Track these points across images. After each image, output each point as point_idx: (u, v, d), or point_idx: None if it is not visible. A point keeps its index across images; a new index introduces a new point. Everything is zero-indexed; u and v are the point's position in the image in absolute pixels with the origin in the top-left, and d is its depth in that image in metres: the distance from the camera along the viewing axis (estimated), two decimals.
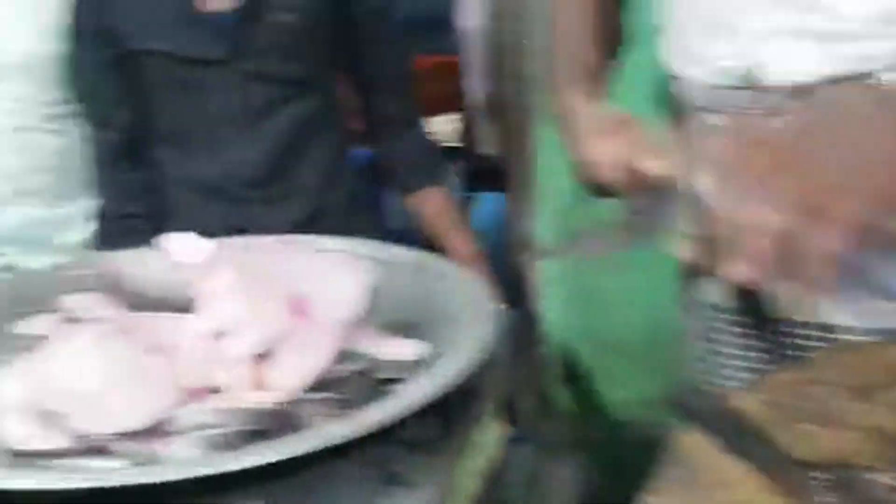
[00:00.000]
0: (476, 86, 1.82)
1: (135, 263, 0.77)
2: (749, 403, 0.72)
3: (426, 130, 1.49)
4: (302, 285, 0.70)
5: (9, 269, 1.37)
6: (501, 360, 0.82)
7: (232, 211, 1.36)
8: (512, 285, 1.84)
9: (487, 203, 1.85)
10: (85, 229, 1.51)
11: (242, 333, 0.65)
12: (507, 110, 1.66)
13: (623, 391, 1.70)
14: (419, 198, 1.46)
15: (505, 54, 1.63)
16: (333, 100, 1.43)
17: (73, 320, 0.73)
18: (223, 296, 0.68)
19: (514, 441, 0.93)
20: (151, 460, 0.61)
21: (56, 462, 0.63)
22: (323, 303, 0.69)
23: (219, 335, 0.66)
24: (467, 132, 2.07)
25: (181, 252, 0.76)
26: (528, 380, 1.66)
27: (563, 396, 1.55)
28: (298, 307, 0.68)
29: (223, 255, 0.75)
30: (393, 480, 0.60)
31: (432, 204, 1.46)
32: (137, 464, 0.61)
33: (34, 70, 1.39)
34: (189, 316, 0.69)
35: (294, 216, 1.36)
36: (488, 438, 0.83)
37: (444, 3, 2.01)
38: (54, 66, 1.41)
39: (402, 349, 0.71)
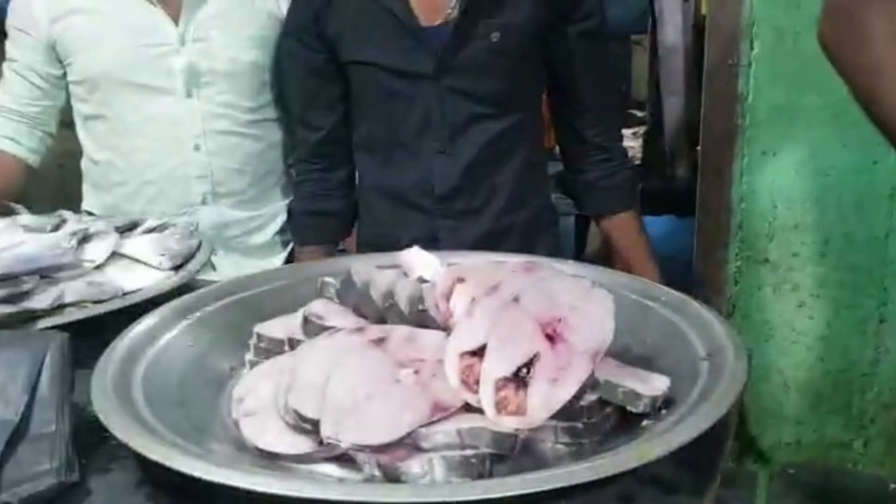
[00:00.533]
0: (673, 105, 1.76)
1: (379, 276, 0.77)
2: None
3: (624, 154, 1.45)
4: (553, 310, 0.68)
5: (205, 266, 1.43)
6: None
7: (422, 221, 1.37)
8: None
9: (655, 226, 1.79)
10: (271, 233, 1.57)
11: (497, 354, 0.64)
12: (708, 132, 1.59)
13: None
14: (612, 223, 1.43)
15: (712, 74, 1.56)
16: (534, 118, 1.41)
17: (318, 326, 0.74)
18: (475, 315, 0.67)
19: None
20: (393, 475, 0.61)
21: (299, 467, 0.64)
22: (575, 329, 0.66)
23: (473, 354, 0.64)
24: (651, 150, 2.01)
25: (420, 266, 0.76)
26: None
27: None
28: (551, 331, 0.66)
29: (468, 274, 0.74)
30: None
31: (625, 230, 1.43)
32: (379, 478, 0.61)
33: (238, 76, 1.45)
34: (441, 333, 0.68)
35: (481, 230, 1.36)
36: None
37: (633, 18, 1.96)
38: (257, 73, 1.48)
39: (649, 384, 0.68)
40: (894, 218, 1.54)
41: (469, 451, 0.61)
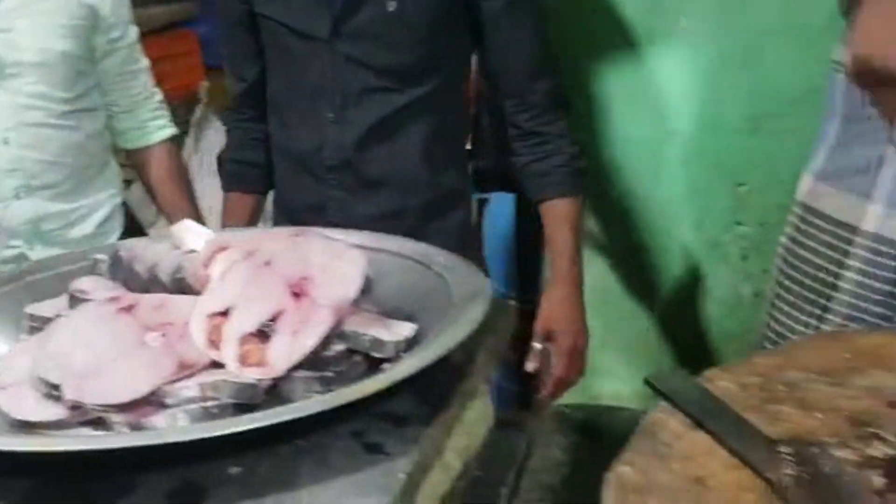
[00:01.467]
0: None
1: (146, 250, 0.79)
2: (726, 384, 0.73)
3: (561, 138, 1.39)
4: (303, 270, 0.71)
5: (20, 260, 1.42)
6: (494, 346, 0.84)
7: (313, 189, 1.35)
8: (526, 284, 1.86)
9: (501, 203, 1.85)
10: (94, 224, 1.56)
11: (242, 312, 0.67)
12: None
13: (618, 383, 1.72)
14: (544, 209, 1.39)
15: None
16: (448, 94, 1.35)
17: (81, 301, 0.75)
18: (227, 278, 0.70)
19: (504, 423, 0.95)
20: (140, 430, 0.64)
21: (52, 432, 0.66)
22: (320, 286, 0.70)
23: (219, 314, 0.67)
24: (478, 131, 2.07)
25: (190, 239, 0.78)
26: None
27: None
28: (298, 289, 0.70)
29: (231, 242, 0.77)
30: (373, 450, 0.62)
31: (552, 214, 1.39)
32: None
33: (50, 67, 1.43)
34: (192, 297, 0.71)
35: (372, 208, 1.33)
36: (477, 418, 0.85)
37: None
38: (70, 63, 1.45)
39: (393, 330, 0.73)
40: (690, 170, 1.65)
41: (210, 403, 0.65)
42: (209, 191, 2.23)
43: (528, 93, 1.36)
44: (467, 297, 0.77)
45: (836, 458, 0.60)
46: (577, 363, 1.40)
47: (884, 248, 0.97)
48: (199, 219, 1.45)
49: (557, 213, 1.38)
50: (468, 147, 1.63)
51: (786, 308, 1.07)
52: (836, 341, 0.82)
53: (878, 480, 0.57)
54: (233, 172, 1.50)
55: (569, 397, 1.44)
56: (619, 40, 1.59)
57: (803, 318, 1.05)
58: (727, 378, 0.74)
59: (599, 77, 1.63)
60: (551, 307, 1.38)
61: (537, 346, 1.38)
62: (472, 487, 0.79)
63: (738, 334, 1.67)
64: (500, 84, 1.38)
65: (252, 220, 1.49)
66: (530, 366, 1.39)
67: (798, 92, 1.52)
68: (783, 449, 0.60)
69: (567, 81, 1.54)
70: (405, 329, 0.74)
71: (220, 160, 1.53)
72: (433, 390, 0.69)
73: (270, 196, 1.53)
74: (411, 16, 1.27)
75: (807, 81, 1.47)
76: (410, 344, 0.73)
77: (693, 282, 1.70)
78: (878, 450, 0.61)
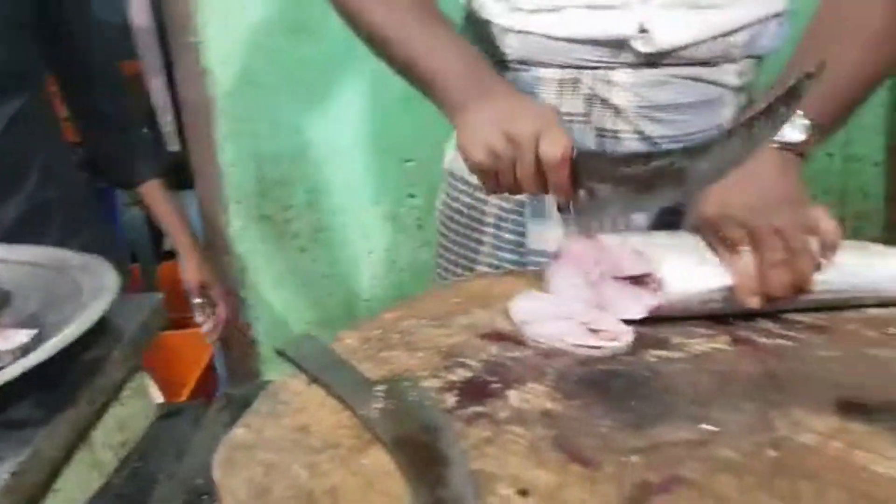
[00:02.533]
0: (157, 85, 1.80)
1: None
2: (351, 341, 0.80)
3: (137, 120, 1.48)
4: None
5: None
6: (137, 338, 0.86)
7: None
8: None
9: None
10: None
11: None
12: (185, 106, 1.66)
13: None
14: (141, 191, 1.47)
15: (178, 52, 1.62)
16: (45, 99, 1.36)
17: None
18: None
19: (173, 412, 0.97)
20: None
21: None
22: None
23: None
24: None
25: None
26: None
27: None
28: None
29: None
30: None
31: (154, 196, 1.48)
32: None
33: None
34: None
35: (11, 214, 1.29)
36: (133, 413, 0.86)
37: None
38: None
39: (9, 339, 0.72)
40: (362, 154, 1.74)
41: None
42: None
43: (101, 76, 1.41)
44: (93, 296, 0.78)
45: (421, 388, 0.68)
46: (231, 303, 1.59)
47: (509, 206, 1.08)
48: None
49: (160, 193, 1.49)
50: None
51: (445, 264, 1.17)
52: (450, 289, 0.93)
53: (451, 400, 0.66)
54: None
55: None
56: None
57: (459, 271, 1.15)
58: (353, 336, 0.81)
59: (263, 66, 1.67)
60: (192, 267, 1.52)
61: (197, 300, 1.53)
62: (131, 478, 0.81)
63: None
64: (83, 79, 1.41)
65: None
66: (199, 319, 1.54)
67: None
68: (378, 388, 0.68)
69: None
70: (21, 336, 0.73)
71: None
72: (57, 392, 0.70)
73: None
74: None
75: None
76: (27, 350, 0.72)
77: (379, 252, 1.80)
78: (458, 375, 0.70)
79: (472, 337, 0.78)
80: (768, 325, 0.77)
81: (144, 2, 1.69)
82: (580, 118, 0.99)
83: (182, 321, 1.80)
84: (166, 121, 1.83)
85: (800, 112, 0.83)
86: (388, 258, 1.80)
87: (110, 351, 0.78)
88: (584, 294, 0.82)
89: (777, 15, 1.00)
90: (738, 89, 1.01)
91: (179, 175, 1.66)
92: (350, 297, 1.82)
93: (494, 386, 0.68)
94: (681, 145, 0.82)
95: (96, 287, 0.80)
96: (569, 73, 0.97)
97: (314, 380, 0.72)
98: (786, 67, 0.89)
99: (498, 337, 0.78)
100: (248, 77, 1.64)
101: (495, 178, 0.85)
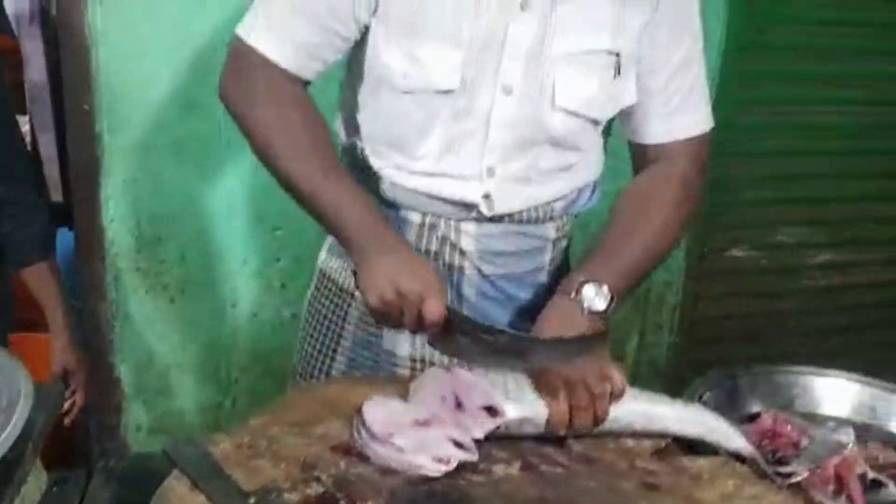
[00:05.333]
0: (46, 140, 1.85)
1: None
2: (225, 446, 0.95)
3: (35, 203, 1.49)
4: None
5: None
6: (43, 425, 0.97)
7: None
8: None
9: (64, 238, 1.90)
10: None
11: None
12: (75, 165, 1.72)
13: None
14: (29, 273, 1.51)
15: (72, 116, 1.69)
16: None
17: None
18: None
19: (62, 480, 1.08)
20: None
21: None
22: None
23: None
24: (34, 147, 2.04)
25: None
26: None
27: None
28: None
29: None
30: None
31: (38, 277, 1.52)
32: None
33: None
34: None
35: None
36: (31, 488, 0.98)
37: None
38: None
39: None
40: (235, 227, 1.86)
41: None
42: None
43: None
44: (13, 400, 0.89)
45: (285, 501, 0.84)
46: (90, 390, 1.66)
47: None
48: None
49: (49, 275, 1.55)
50: None
51: (309, 349, 1.30)
52: (307, 394, 1.09)
53: None
54: None
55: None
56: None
57: (320, 359, 1.28)
58: (228, 441, 0.95)
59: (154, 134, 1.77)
60: (60, 348, 1.59)
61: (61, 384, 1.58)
62: None
63: (281, 348, 1.94)
64: None
65: None
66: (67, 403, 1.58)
67: None
68: (251, 499, 0.84)
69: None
70: None
71: None
72: None
73: None
74: None
75: None
76: None
77: (243, 306, 1.93)
78: (313, 489, 0.87)
79: (325, 450, 0.95)
80: (551, 451, 0.99)
81: (41, 58, 1.73)
82: (434, 254, 1.19)
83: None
84: (52, 172, 1.87)
85: (604, 286, 1.07)
86: (251, 311, 1.93)
87: (25, 449, 0.90)
88: (442, 411, 0.99)
89: (590, 184, 1.24)
90: (556, 240, 1.24)
91: (59, 216, 1.72)
92: (211, 344, 1.93)
93: (342, 502, 0.86)
94: (530, 335, 1.04)
95: (13, 391, 0.91)
96: (429, 219, 1.17)
97: (195, 485, 0.87)
98: (599, 237, 1.15)
99: (346, 451, 0.95)
100: (137, 142, 1.73)
101: (385, 317, 1.03)
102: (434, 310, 0.99)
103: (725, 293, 2.62)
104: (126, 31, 1.66)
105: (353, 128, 1.19)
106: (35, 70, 1.77)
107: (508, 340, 0.99)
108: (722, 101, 2.19)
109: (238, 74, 1.11)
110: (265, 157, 1.11)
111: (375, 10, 1.09)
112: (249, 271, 1.89)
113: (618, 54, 1.11)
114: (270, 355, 1.95)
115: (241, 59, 1.10)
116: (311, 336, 1.31)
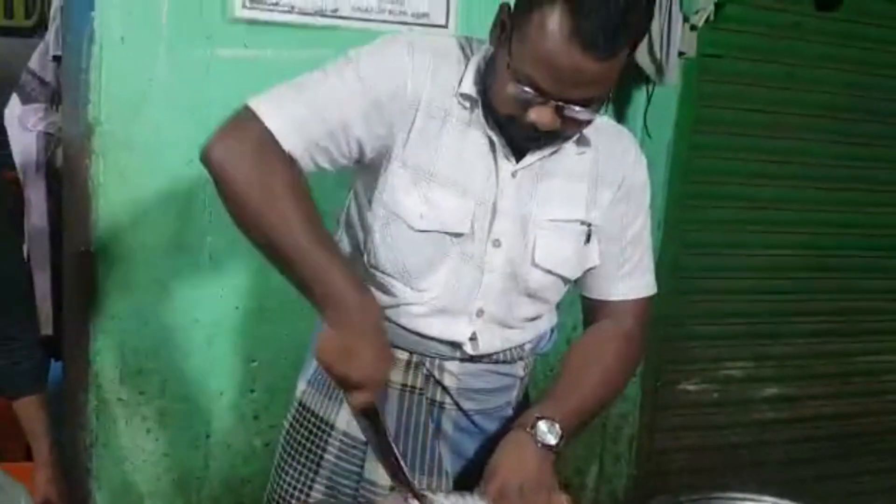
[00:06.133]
0: (41, 279, 1.96)
1: None
2: None
3: (31, 341, 1.53)
4: None
5: None
6: None
7: None
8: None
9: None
10: None
11: None
12: (69, 305, 1.83)
13: None
14: (20, 404, 1.53)
15: (70, 258, 1.81)
16: None
17: None
18: None
19: None
20: None
21: None
22: None
23: None
24: None
25: None
26: None
27: None
28: None
29: None
30: None
31: (29, 409, 1.54)
32: None
33: None
34: None
35: None
36: None
37: None
38: None
39: None
40: (213, 352, 1.97)
41: None
42: None
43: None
44: None
45: None
46: None
47: (350, 441, 1.31)
48: None
49: (38, 409, 1.56)
50: None
51: (286, 478, 1.35)
52: None
53: None
54: None
55: None
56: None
57: (298, 487, 1.33)
58: None
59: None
60: (43, 480, 1.58)
61: None
62: None
63: (252, 478, 2.01)
64: None
65: None
66: None
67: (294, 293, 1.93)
68: None
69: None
70: None
71: None
72: None
73: None
74: None
75: None
76: None
77: (217, 437, 2.01)
78: None
79: None
80: None
81: (43, 205, 1.88)
82: (419, 390, 1.29)
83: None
84: (44, 307, 1.98)
85: (556, 423, 1.19)
86: (224, 442, 2.00)
87: None
88: None
89: (552, 328, 1.38)
90: (523, 377, 1.37)
91: (49, 349, 1.80)
92: (185, 473, 1.99)
93: None
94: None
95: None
96: (416, 358, 1.28)
97: None
98: (554, 382, 1.29)
99: None
100: (124, 283, 1.85)
101: (325, 373, 1.10)
102: (358, 401, 1.06)
103: (679, 426, 2.73)
104: (122, 183, 1.82)
105: (358, 247, 1.26)
106: (36, 215, 1.91)
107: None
108: (669, 246, 2.40)
109: (231, 132, 1.09)
110: (245, 217, 1.09)
111: (389, 153, 1.18)
112: (225, 402, 1.98)
113: (589, 224, 1.28)
114: (242, 485, 2.01)
115: (239, 121, 1.10)
116: (289, 465, 1.36)
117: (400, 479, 1.08)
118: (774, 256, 2.70)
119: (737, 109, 2.49)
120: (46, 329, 1.97)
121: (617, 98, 2.21)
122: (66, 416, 1.88)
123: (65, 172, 1.77)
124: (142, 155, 1.82)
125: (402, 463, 1.09)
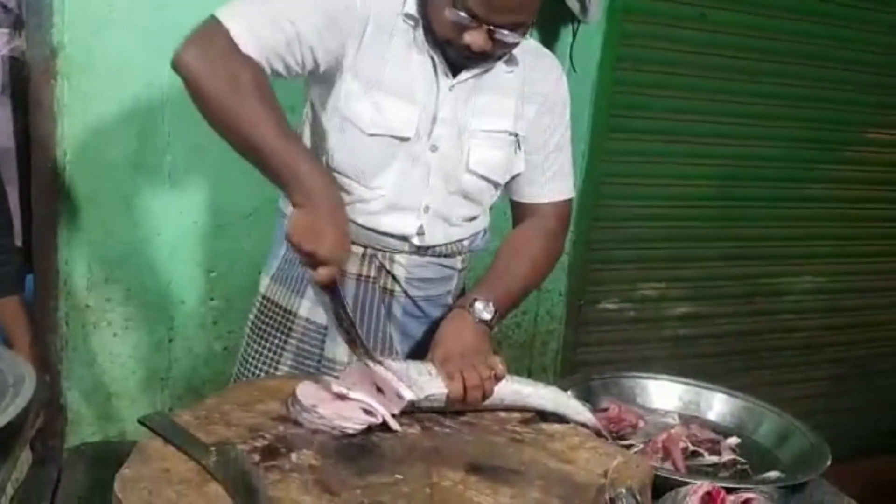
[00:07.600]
0: (11, 194, 2.03)
1: None
2: (187, 417, 1.17)
3: (13, 243, 1.63)
4: None
5: None
6: (35, 415, 1.17)
7: None
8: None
9: None
10: None
11: None
12: (35, 215, 1.92)
13: None
14: (1, 304, 1.60)
15: (37, 171, 1.89)
16: None
17: None
18: None
19: (40, 460, 1.27)
20: None
21: None
22: None
23: None
24: None
25: None
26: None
27: None
28: None
29: None
30: None
31: (11, 310, 1.62)
32: None
33: None
34: None
35: None
36: (23, 460, 1.17)
37: None
38: None
39: None
40: (175, 263, 2.08)
41: None
42: None
43: None
44: (17, 382, 1.10)
45: (238, 449, 1.08)
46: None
47: (312, 326, 1.46)
48: None
49: (19, 308, 1.66)
50: None
51: (254, 361, 1.50)
52: (251, 385, 1.33)
53: (256, 457, 1.06)
54: None
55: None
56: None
57: (265, 365, 1.49)
58: (188, 413, 1.18)
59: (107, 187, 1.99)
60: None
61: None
62: None
63: (212, 379, 2.14)
64: None
65: None
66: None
67: (249, 210, 2.07)
68: (211, 448, 1.07)
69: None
70: None
71: None
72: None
73: None
74: None
75: (254, 202, 2.03)
76: None
77: (179, 341, 2.13)
78: (259, 443, 1.10)
79: (267, 419, 1.18)
80: (443, 418, 1.26)
81: (8, 125, 1.94)
82: (371, 279, 1.44)
83: None
84: (15, 222, 2.04)
85: (490, 303, 1.36)
86: (186, 346, 2.13)
87: (26, 419, 1.11)
88: (362, 391, 1.22)
89: (485, 228, 1.55)
90: (461, 270, 1.54)
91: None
92: (150, 375, 2.12)
93: (282, 450, 1.09)
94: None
95: (17, 374, 1.13)
96: (369, 251, 1.43)
97: (167, 441, 1.09)
98: (487, 271, 1.45)
99: (283, 419, 1.19)
100: (90, 198, 1.94)
101: (294, 250, 1.16)
102: (322, 276, 1.13)
103: (599, 341, 2.94)
104: (86, 104, 1.90)
105: (317, 149, 1.38)
106: (3, 135, 1.97)
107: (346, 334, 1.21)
108: (592, 176, 2.58)
109: (200, 41, 1.17)
110: (216, 115, 1.16)
111: (340, 64, 1.30)
112: (186, 310, 2.10)
113: (516, 135, 1.44)
114: (203, 385, 2.14)
115: (206, 29, 1.18)
116: (256, 350, 1.50)
117: (358, 345, 1.22)
118: (687, 187, 2.85)
119: (657, 49, 2.61)
120: (17, 241, 2.05)
121: (544, 35, 2.35)
122: (38, 323, 1.97)
123: (31, 94, 1.84)
124: (104, 77, 1.89)
125: (359, 332, 1.23)
